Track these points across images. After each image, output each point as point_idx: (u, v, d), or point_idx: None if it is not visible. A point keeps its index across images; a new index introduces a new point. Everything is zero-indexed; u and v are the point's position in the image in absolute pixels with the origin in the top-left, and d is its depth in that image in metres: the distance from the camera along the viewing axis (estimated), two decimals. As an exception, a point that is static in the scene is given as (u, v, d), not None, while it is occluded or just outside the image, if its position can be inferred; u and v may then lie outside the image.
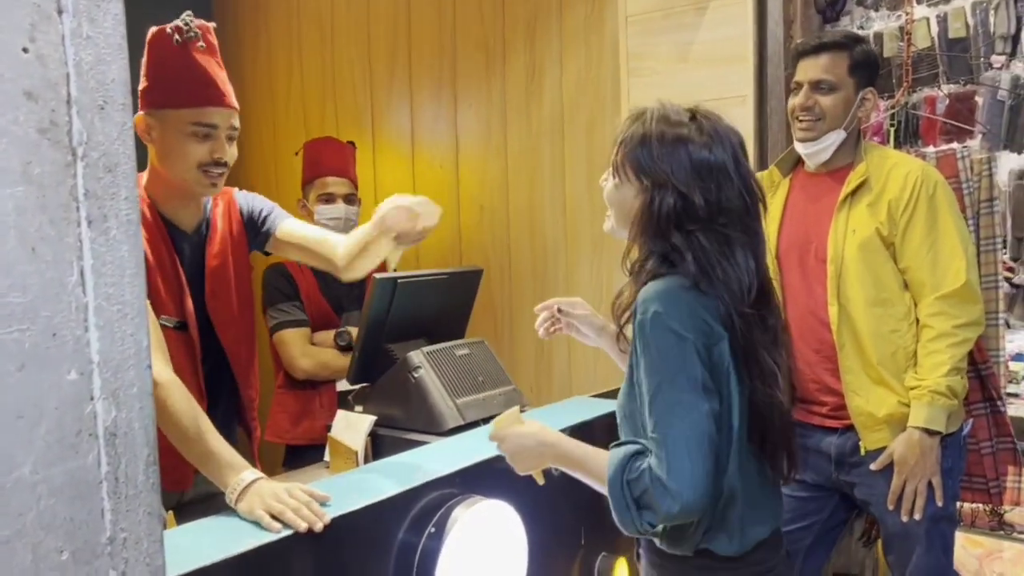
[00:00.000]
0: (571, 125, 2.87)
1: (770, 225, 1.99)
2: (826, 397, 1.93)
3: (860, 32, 2.42)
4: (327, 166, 2.77)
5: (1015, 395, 2.41)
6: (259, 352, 2.04)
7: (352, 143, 2.96)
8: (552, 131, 2.92)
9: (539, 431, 1.38)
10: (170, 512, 1.68)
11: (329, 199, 2.72)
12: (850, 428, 1.90)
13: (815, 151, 1.92)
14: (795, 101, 1.94)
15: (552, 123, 2.94)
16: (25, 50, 0.74)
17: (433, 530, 1.45)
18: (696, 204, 1.27)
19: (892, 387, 1.83)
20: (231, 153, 1.73)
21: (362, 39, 3.44)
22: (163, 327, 1.69)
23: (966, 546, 2.40)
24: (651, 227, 1.30)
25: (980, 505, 2.27)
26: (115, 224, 0.80)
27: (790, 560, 1.97)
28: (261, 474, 1.40)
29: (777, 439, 1.33)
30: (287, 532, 1.26)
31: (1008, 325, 2.42)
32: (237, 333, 1.89)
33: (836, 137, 1.90)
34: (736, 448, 1.28)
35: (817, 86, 1.90)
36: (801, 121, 1.92)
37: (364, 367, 2.08)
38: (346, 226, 2.72)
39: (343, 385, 2.46)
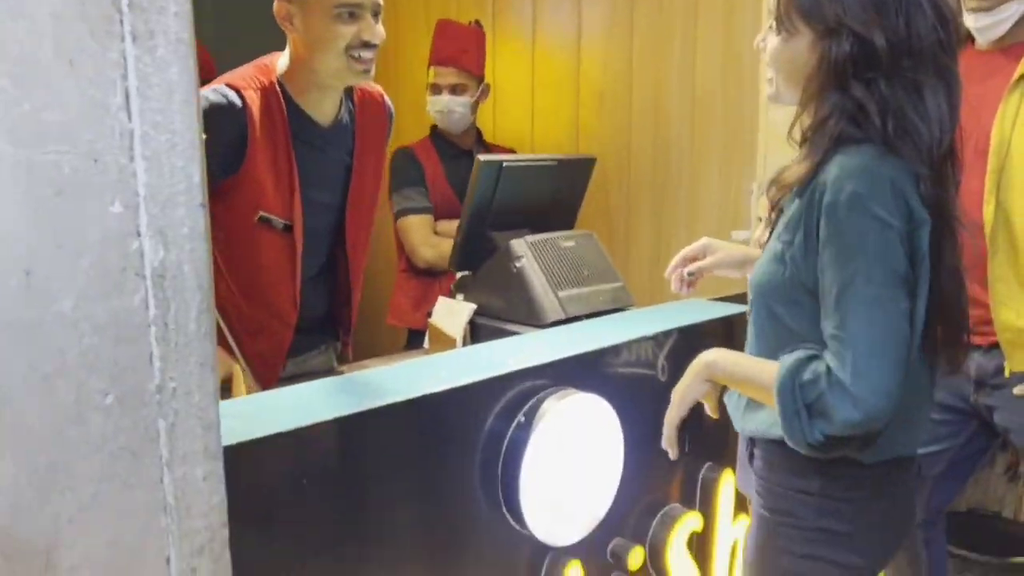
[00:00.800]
0: (706, 12, 2.62)
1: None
2: (971, 309, 1.70)
3: None
4: (437, 55, 2.69)
5: None
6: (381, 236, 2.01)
7: (477, 23, 2.83)
8: (685, 12, 2.68)
9: (701, 355, 1.27)
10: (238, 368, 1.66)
11: (435, 90, 2.65)
12: (995, 345, 1.68)
13: (990, 23, 1.64)
14: None
15: (685, 10, 2.70)
16: None
17: (522, 419, 1.37)
18: (877, 46, 1.09)
19: None
20: (379, 32, 1.63)
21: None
22: (269, 227, 1.66)
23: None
24: (827, 81, 1.13)
25: None
26: (163, 42, 0.71)
27: (921, 482, 1.82)
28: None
29: (958, 329, 1.22)
30: (364, 407, 1.21)
31: None
32: (360, 238, 1.87)
33: (1018, 7, 1.61)
34: (914, 350, 1.14)
35: None
36: None
37: (466, 254, 2.01)
38: (448, 119, 2.64)
39: None
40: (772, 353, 1.18)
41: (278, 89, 1.63)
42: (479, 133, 2.90)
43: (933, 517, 1.91)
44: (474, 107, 2.73)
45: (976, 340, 1.71)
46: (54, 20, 0.66)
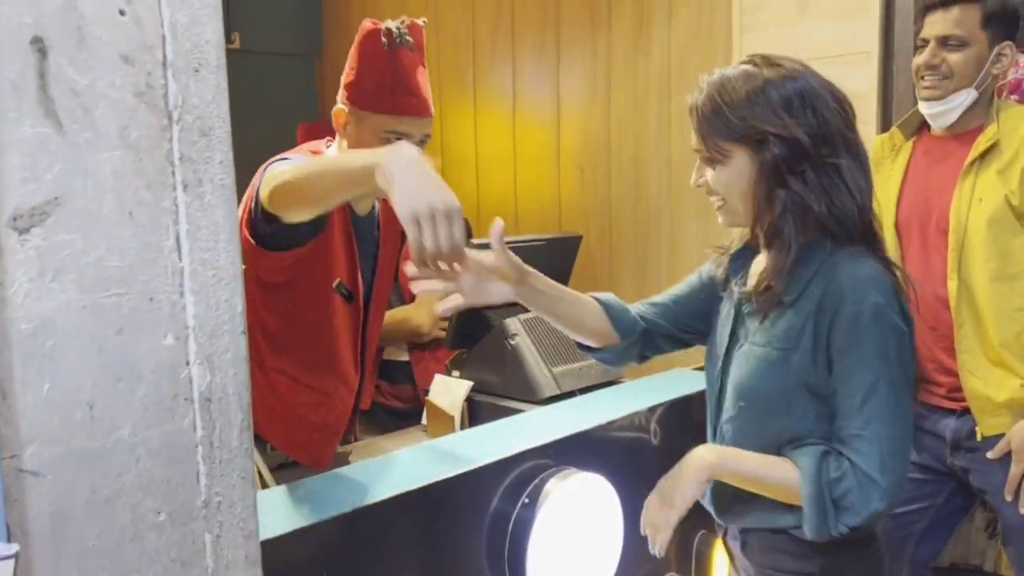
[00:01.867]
0: (680, 81, 2.76)
1: (890, 191, 1.85)
2: (942, 377, 1.80)
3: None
4: None
5: None
6: None
7: None
8: (660, 88, 2.82)
9: (687, 457, 1.26)
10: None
11: None
12: (968, 411, 1.77)
13: (941, 111, 1.76)
14: (920, 59, 1.78)
15: (660, 80, 2.84)
16: (122, 12, 0.73)
17: (527, 500, 1.43)
18: (801, 142, 1.18)
19: (1014, 369, 1.69)
20: None
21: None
22: (338, 294, 1.74)
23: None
24: (770, 184, 1.21)
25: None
26: (210, 188, 0.79)
27: (906, 539, 1.89)
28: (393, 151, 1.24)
29: None
30: (379, 497, 1.26)
31: None
32: (376, 326, 1.94)
33: (966, 97, 1.73)
34: None
35: (945, 42, 1.73)
36: (925, 79, 1.77)
37: (462, 332, 2.08)
38: None
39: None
40: (763, 450, 1.24)
41: None
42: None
43: (919, 572, 1.98)
44: None
45: (949, 405, 1.81)
46: (115, 177, 0.73)
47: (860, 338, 1.16)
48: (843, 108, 1.22)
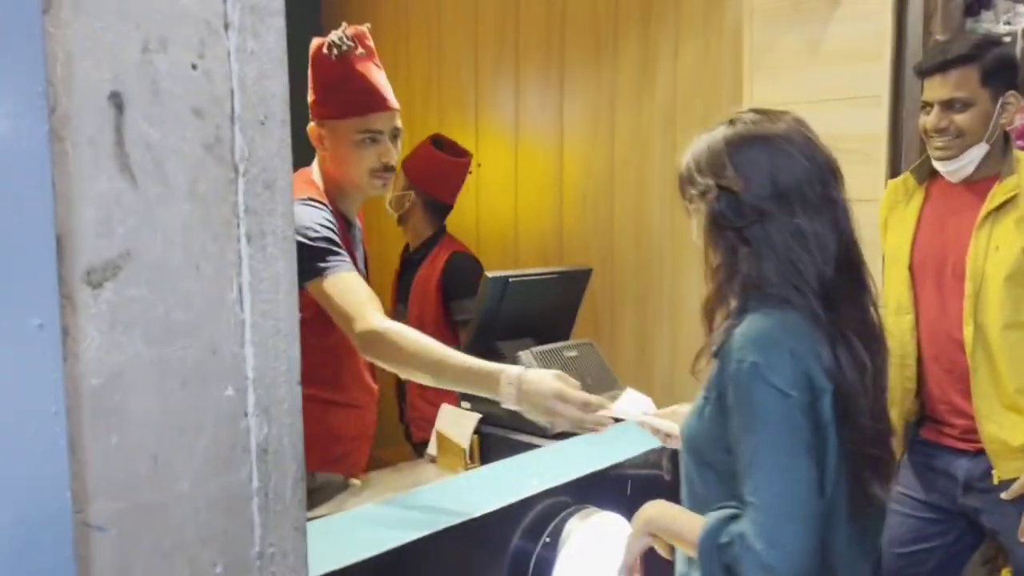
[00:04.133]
0: (684, 117, 2.79)
1: (904, 234, 1.88)
2: (957, 420, 1.82)
3: (1005, 28, 2.26)
4: None
5: None
6: None
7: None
8: (664, 124, 2.85)
9: (644, 508, 1.29)
10: None
11: None
12: (981, 452, 1.80)
13: (956, 168, 1.79)
14: (927, 122, 1.79)
15: (664, 115, 2.86)
16: (194, 67, 0.74)
17: (548, 540, 1.43)
18: (742, 198, 1.17)
19: None
20: (396, 153, 1.78)
21: (469, 23, 3.43)
22: None
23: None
24: (715, 236, 1.22)
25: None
26: (272, 241, 0.80)
27: None
28: (520, 368, 1.44)
29: (880, 473, 1.19)
30: (402, 540, 1.26)
31: None
32: None
33: (979, 152, 1.77)
34: (837, 515, 1.16)
35: (950, 105, 1.75)
36: (936, 140, 1.78)
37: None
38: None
39: None
40: (702, 506, 1.20)
41: (326, 192, 1.76)
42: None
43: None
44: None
45: (963, 447, 1.83)
46: (184, 231, 0.74)
47: (741, 398, 1.13)
48: (817, 166, 1.19)
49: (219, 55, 0.76)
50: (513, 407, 1.41)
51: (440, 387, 1.51)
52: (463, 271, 2.70)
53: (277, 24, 0.80)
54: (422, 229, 2.87)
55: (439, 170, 2.81)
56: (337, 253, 1.58)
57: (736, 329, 1.16)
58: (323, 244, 1.58)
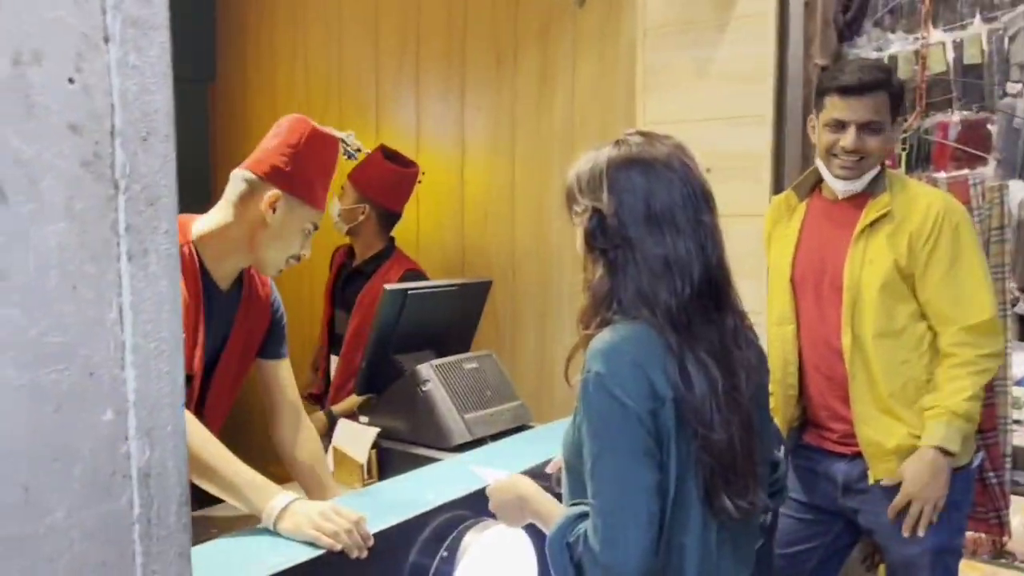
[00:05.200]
0: (582, 133, 2.85)
1: (786, 249, 1.97)
2: (836, 424, 1.93)
3: (875, 54, 2.41)
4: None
5: (1018, 422, 2.41)
6: None
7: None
8: (563, 139, 2.90)
9: (516, 483, 1.35)
10: None
11: None
12: (859, 455, 1.90)
13: (854, 188, 1.88)
14: (841, 141, 1.83)
15: (563, 131, 2.92)
16: (71, 80, 0.72)
17: (445, 554, 1.43)
18: (607, 220, 1.22)
19: (902, 418, 1.83)
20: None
21: (369, 34, 3.41)
22: None
23: (965, 571, 2.41)
24: (586, 253, 1.28)
25: (982, 534, 2.27)
26: (155, 259, 0.77)
27: None
28: (294, 494, 1.41)
29: (731, 485, 1.21)
30: (300, 558, 1.24)
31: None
32: (224, 391, 1.84)
33: (872, 172, 1.87)
34: (693, 520, 1.20)
35: (867, 127, 1.82)
36: (842, 160, 1.84)
37: (371, 378, 2.06)
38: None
39: None
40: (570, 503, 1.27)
41: (193, 250, 1.67)
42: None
43: (810, 609, 2.09)
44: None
45: (841, 450, 1.93)
46: (60, 250, 0.71)
47: (586, 406, 1.18)
48: (691, 191, 1.23)
49: (98, 69, 0.74)
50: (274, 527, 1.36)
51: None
52: None
53: (160, 38, 0.78)
54: (374, 241, 2.84)
55: (390, 180, 2.80)
56: None
57: (592, 340, 1.22)
58: None
